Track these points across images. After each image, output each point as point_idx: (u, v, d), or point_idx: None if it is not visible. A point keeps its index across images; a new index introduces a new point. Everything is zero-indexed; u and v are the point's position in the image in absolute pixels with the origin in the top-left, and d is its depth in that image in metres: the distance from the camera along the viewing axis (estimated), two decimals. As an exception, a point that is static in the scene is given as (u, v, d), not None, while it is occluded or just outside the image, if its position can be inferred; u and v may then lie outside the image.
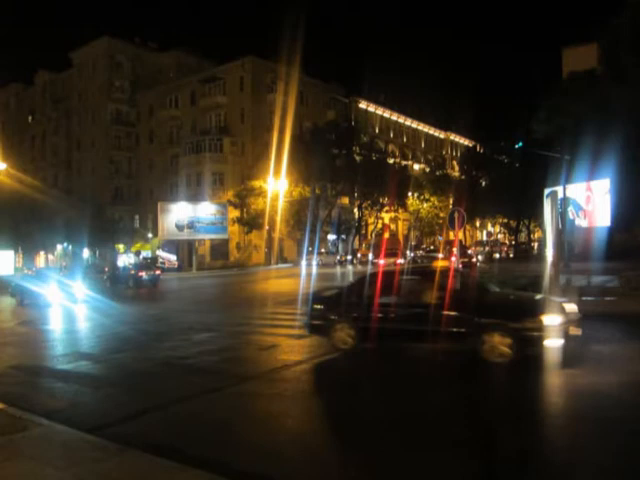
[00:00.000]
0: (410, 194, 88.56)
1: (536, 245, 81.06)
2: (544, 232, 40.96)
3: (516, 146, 75.26)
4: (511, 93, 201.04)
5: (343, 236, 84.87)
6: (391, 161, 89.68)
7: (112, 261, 75.11)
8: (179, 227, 77.75)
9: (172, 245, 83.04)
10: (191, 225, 77.59)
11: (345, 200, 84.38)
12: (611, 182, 33.77)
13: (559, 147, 45.02)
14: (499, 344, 12.76)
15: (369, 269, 39.05)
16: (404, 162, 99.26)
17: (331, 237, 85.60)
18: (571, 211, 35.88)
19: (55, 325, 25.49)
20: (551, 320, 12.72)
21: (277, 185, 73.11)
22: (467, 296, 14.27)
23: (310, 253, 71.86)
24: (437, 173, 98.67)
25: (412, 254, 70.68)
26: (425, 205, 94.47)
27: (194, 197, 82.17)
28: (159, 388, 12.21)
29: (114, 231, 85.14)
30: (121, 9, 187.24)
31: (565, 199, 33.84)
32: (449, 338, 13.47)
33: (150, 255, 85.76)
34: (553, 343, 12.55)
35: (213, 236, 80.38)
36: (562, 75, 58.42)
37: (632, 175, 36.87)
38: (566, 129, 42.31)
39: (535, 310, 13.33)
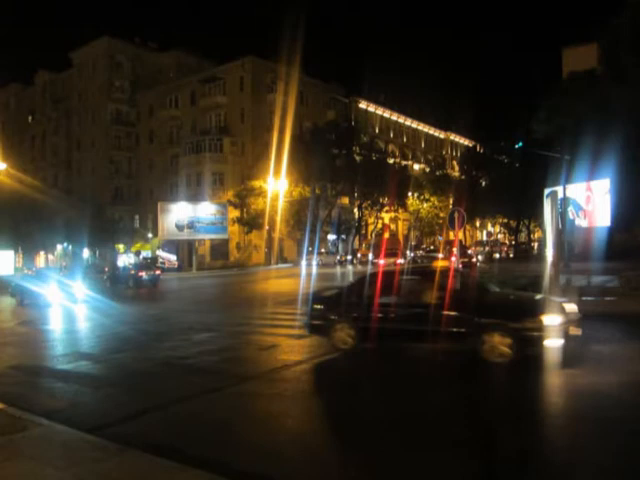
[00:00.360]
0: (410, 194, 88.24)
1: (536, 245, 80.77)
2: (544, 232, 40.46)
3: (516, 146, 74.75)
4: (511, 93, 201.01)
5: (343, 236, 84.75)
6: (391, 161, 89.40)
7: (112, 261, 74.67)
8: (179, 227, 77.44)
9: (172, 245, 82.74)
10: (191, 225, 77.28)
11: (345, 200, 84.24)
12: (611, 182, 33.48)
13: (559, 147, 44.66)
14: (499, 344, 12.71)
15: (369, 269, 38.76)
16: (404, 162, 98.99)
17: (331, 237, 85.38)
18: (571, 211, 35.61)
19: (55, 325, 25.44)
20: (551, 320, 12.67)
21: (277, 185, 72.95)
22: (467, 296, 14.19)
23: (310, 253, 71.73)
24: (437, 173, 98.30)
25: (412, 254, 70.40)
26: (425, 205, 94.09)
27: (194, 197, 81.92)
28: (159, 388, 12.17)
29: (114, 231, 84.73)
30: (121, 9, 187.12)
31: (565, 199, 33.55)
32: (449, 338, 13.41)
33: (150, 255, 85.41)
34: (553, 343, 12.50)
35: (213, 236, 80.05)
36: (562, 75, 58.02)
37: (632, 175, 36.59)
38: (566, 129, 41.87)
39: (535, 310, 13.26)
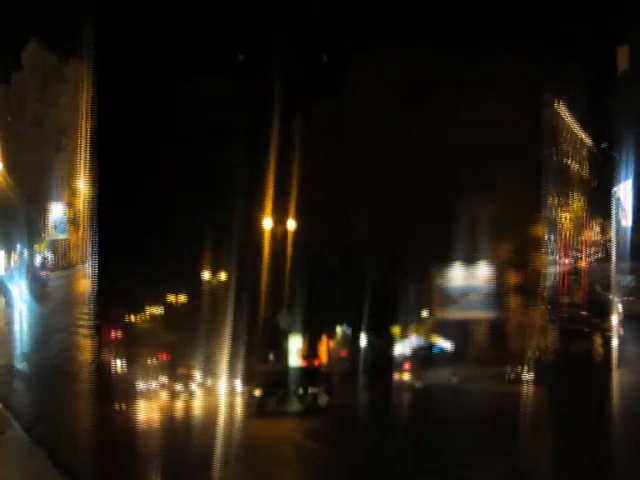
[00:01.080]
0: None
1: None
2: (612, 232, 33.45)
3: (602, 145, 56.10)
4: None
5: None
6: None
7: (31, 261, 53.03)
8: (52, 227, 65.06)
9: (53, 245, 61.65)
10: (55, 226, 65.96)
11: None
12: (633, 181, 27.17)
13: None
14: (598, 344, 10.29)
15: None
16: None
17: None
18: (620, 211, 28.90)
19: (17, 326, 21.98)
20: (614, 320, 10.44)
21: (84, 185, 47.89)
22: (589, 297, 10.99)
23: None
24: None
25: (574, 254, 57.63)
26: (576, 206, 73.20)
27: (60, 198, 68.19)
28: (51, 391, 11.48)
29: (34, 231, 62.75)
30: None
31: (618, 199, 27.29)
32: (581, 337, 10.24)
33: (44, 255, 60.24)
34: (614, 342, 10.19)
35: (61, 236, 55.78)
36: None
37: None
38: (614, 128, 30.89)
39: (610, 311, 10.62)
